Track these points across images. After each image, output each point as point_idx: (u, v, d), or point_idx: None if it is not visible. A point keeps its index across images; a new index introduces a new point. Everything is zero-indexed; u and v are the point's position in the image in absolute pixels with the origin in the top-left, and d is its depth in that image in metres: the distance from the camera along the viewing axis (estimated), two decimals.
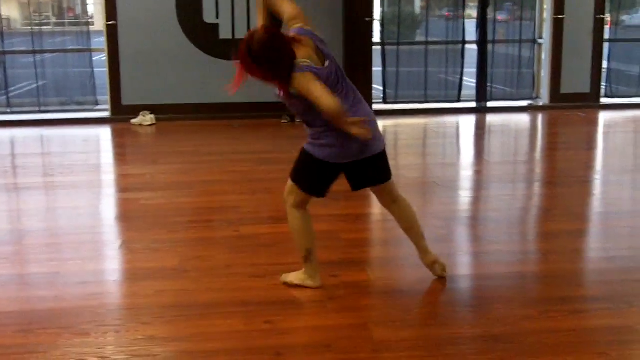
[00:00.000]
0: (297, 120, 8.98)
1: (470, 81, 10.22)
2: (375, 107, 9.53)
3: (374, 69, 9.51)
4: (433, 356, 3.15)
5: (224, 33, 9.20)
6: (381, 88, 9.86)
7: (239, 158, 7.17)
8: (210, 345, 3.27)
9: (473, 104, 9.90)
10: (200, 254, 4.50)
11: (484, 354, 3.16)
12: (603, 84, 10.21)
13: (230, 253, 4.48)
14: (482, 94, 9.90)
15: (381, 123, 9.07)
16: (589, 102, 9.92)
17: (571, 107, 9.74)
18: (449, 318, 3.57)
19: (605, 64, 10.25)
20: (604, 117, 9.64)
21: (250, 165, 6.85)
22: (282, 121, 9.00)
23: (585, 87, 9.95)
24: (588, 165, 7.12)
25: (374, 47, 9.58)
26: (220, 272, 4.15)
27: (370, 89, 9.45)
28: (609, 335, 3.31)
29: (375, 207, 5.79)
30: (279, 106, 9.03)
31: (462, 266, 4.43)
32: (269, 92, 9.90)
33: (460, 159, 7.69)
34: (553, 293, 3.82)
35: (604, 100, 10.13)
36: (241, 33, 9.15)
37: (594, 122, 9.35)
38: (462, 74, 9.96)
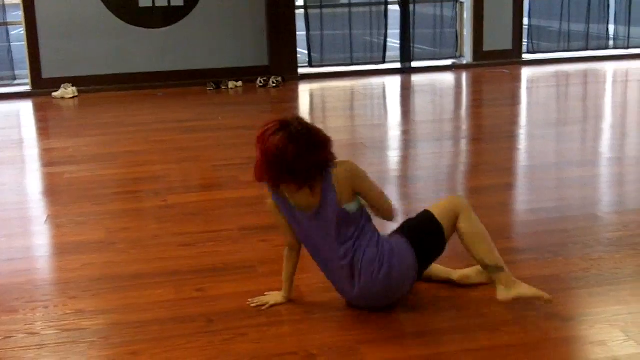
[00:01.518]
0: (223, 87, 8.89)
1: (394, 42, 10.24)
2: (301, 70, 9.51)
3: (298, 33, 9.45)
4: (365, 313, 3.17)
5: (144, 1, 9.01)
6: (306, 52, 9.82)
7: (164, 127, 7.06)
8: (140, 316, 3.23)
9: (398, 65, 9.93)
10: (127, 225, 4.43)
11: (414, 309, 3.18)
12: (525, 40, 10.34)
13: (157, 223, 4.43)
14: (406, 54, 9.93)
15: (307, 87, 9.17)
16: (512, 58, 10.06)
17: (494, 65, 9.85)
18: None
19: (526, 21, 10.39)
20: (526, 72, 9.79)
21: (176, 134, 6.76)
22: (207, 89, 8.88)
23: (507, 44, 10.08)
24: (513, 120, 7.24)
25: (297, 11, 9.51)
26: (148, 242, 4.10)
27: (295, 53, 9.41)
28: (536, 285, 3.34)
29: None
30: (203, 73, 9.02)
31: (392, 225, 4.45)
32: (193, 60, 9.80)
33: (388, 120, 7.72)
34: None
35: (526, 56, 10.28)
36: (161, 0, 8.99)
37: (517, 78, 9.49)
38: (385, 36, 9.98)
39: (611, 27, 10.86)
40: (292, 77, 9.28)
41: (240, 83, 9.01)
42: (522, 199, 4.94)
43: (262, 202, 4.72)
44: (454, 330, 3.01)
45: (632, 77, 9.57)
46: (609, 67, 10.05)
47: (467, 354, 2.86)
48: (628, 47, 10.73)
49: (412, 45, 9.95)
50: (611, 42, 10.87)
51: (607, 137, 6.61)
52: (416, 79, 9.59)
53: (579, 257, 3.69)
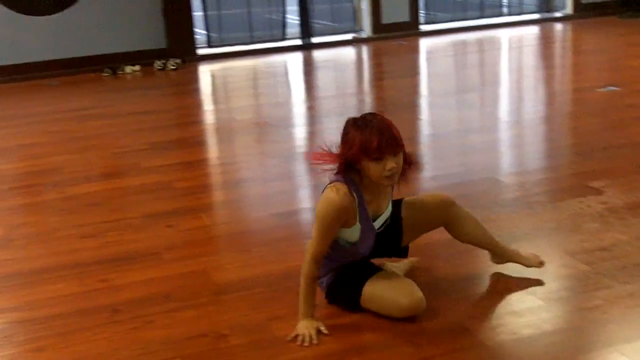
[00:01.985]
0: (120, 72, 8.69)
1: (293, 19, 10.20)
2: (200, 51, 9.38)
3: (194, 13, 9.31)
4: (274, 290, 3.16)
5: None
6: (205, 32, 9.68)
7: (60, 117, 6.84)
8: (44, 312, 3.14)
9: (299, 42, 9.91)
10: (25, 220, 4.30)
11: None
12: (422, 11, 10.45)
13: (58, 216, 4.30)
14: (306, 30, 9.92)
15: (208, 67, 9.05)
16: (410, 30, 10.14)
17: (393, 37, 9.92)
18: (286, 253, 3.57)
19: None
20: (425, 43, 9.89)
21: (74, 123, 6.57)
22: (103, 74, 8.66)
23: (405, 16, 10.15)
24: (413, 91, 7.32)
25: None
26: (49, 236, 3.99)
27: (192, 33, 9.28)
28: (437, 248, 3.45)
29: (211, 153, 5.75)
30: (99, 59, 8.80)
31: (303, 200, 4.48)
32: (87, 46, 9.47)
33: (291, 97, 7.70)
34: None
35: (423, 27, 10.39)
36: None
37: (416, 50, 9.58)
38: (284, 12, 9.93)
39: None
40: (191, 59, 9.15)
41: (137, 67, 8.82)
42: (425, 167, 4.98)
43: (165, 187, 4.69)
44: None
45: (526, 42, 9.79)
46: (503, 33, 10.25)
47: (376, 321, 2.88)
48: (521, 14, 10.98)
49: (311, 20, 9.94)
50: (505, 10, 11.11)
51: (504, 102, 6.76)
52: (317, 54, 9.59)
53: (478, 219, 3.75)
